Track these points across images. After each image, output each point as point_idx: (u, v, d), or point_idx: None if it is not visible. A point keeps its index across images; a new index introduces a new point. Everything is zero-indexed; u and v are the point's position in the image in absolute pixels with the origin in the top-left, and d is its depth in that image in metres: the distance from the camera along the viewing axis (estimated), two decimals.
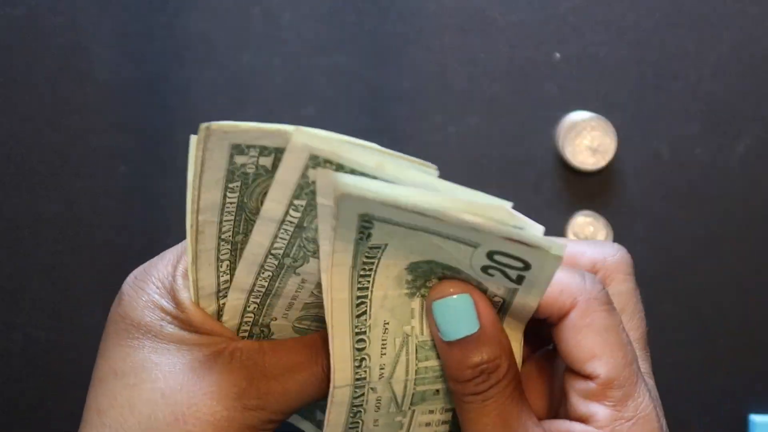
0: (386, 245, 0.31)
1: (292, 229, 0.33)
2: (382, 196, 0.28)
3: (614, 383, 0.33)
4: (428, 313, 0.33)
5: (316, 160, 0.31)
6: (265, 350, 0.35)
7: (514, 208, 0.30)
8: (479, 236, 0.29)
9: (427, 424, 0.36)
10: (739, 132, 0.47)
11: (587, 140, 0.46)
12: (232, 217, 0.34)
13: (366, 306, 0.33)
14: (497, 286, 0.32)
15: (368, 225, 0.30)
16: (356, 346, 0.33)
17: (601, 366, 0.33)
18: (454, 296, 0.32)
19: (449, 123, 0.47)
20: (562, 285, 0.33)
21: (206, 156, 0.31)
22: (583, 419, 0.33)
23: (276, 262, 0.34)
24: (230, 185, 0.33)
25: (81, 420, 0.34)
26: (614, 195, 0.47)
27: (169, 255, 0.36)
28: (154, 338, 0.34)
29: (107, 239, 0.48)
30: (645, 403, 0.33)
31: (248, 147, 0.31)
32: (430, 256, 0.32)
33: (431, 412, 0.36)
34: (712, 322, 0.48)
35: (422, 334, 0.34)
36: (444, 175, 0.50)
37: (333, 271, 0.31)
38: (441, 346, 0.33)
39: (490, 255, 0.30)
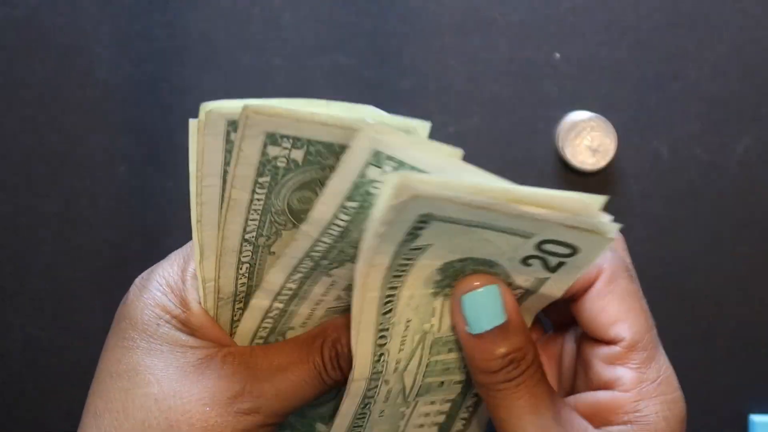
0: (429, 246, 0.31)
1: (337, 233, 0.32)
2: (456, 195, 0.28)
3: (638, 345, 0.34)
4: (455, 307, 0.33)
5: (378, 157, 0.30)
6: (256, 353, 0.35)
7: None
8: (539, 227, 0.30)
9: (426, 414, 0.37)
10: (739, 132, 0.47)
11: (587, 140, 0.46)
12: (258, 217, 0.34)
13: (393, 304, 0.33)
14: (527, 277, 0.33)
15: (423, 225, 0.30)
16: (378, 342, 0.33)
17: (625, 329, 0.34)
18: (481, 289, 0.32)
19: (449, 123, 0.48)
20: None
21: (242, 145, 0.31)
22: (607, 385, 0.34)
23: (312, 264, 0.34)
24: (260, 180, 0.32)
25: (80, 421, 0.34)
26: (614, 195, 0.47)
27: (178, 255, 0.36)
28: (148, 339, 0.34)
29: (107, 239, 0.48)
30: (666, 365, 0.34)
31: (282, 137, 0.31)
32: (471, 253, 0.32)
33: (432, 402, 0.36)
34: (712, 322, 0.48)
35: (439, 331, 0.34)
36: None
37: (370, 271, 0.31)
38: (467, 340, 0.33)
39: (540, 244, 0.31)
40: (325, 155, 0.32)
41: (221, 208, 0.33)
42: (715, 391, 0.48)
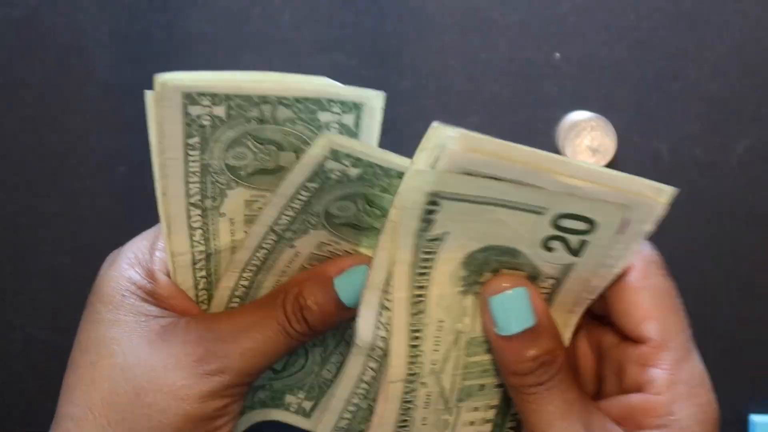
0: (446, 234, 0.31)
1: (299, 206, 0.34)
2: (457, 163, 0.29)
3: (668, 346, 0.33)
4: (483, 309, 0.33)
5: (337, 154, 0.32)
6: (220, 317, 0.35)
7: None
8: (551, 200, 0.30)
9: (472, 423, 0.36)
10: (739, 132, 0.47)
11: (587, 140, 0.46)
12: (198, 179, 0.34)
13: (423, 305, 0.33)
14: (552, 264, 0.33)
15: (434, 208, 0.30)
16: (411, 343, 0.34)
17: (655, 328, 0.33)
18: (510, 291, 0.32)
19: (449, 123, 0.47)
20: None
21: (163, 112, 0.32)
22: (639, 388, 0.33)
23: (276, 237, 0.35)
24: (189, 141, 0.33)
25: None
26: None
27: (148, 231, 0.37)
28: (114, 310, 0.35)
29: (107, 239, 0.48)
30: (699, 368, 0.34)
31: (200, 95, 0.32)
32: (490, 240, 0.32)
33: (476, 409, 0.36)
34: (712, 322, 0.48)
35: (473, 331, 0.34)
36: None
37: (394, 269, 0.32)
38: (497, 342, 0.33)
39: (555, 220, 0.31)
40: (246, 107, 0.32)
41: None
42: (715, 391, 0.48)
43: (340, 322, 0.36)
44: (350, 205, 0.35)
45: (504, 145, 0.29)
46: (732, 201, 0.47)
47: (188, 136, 0.32)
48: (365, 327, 0.34)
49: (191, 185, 0.34)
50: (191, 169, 0.33)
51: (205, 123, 0.32)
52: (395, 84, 0.47)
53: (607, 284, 0.33)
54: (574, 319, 0.35)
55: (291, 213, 0.34)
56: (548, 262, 0.33)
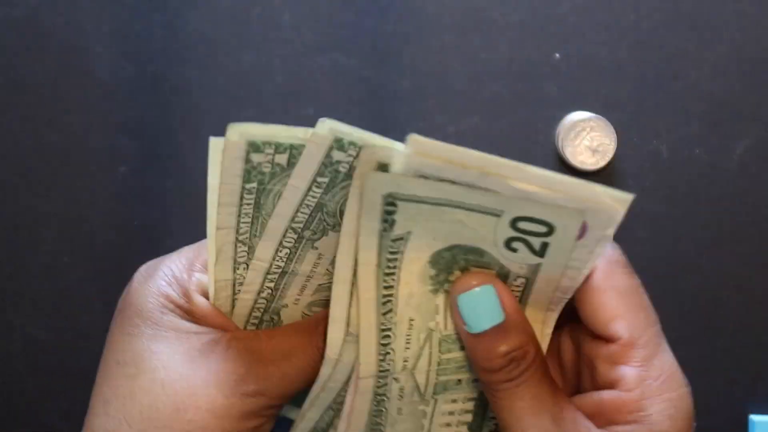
0: (409, 234, 0.32)
1: (314, 204, 0.34)
2: (411, 166, 0.29)
3: (637, 343, 0.33)
4: (453, 307, 0.33)
5: (341, 143, 0.32)
6: (261, 337, 0.35)
7: None
8: (503, 201, 0.30)
9: (450, 413, 0.37)
10: (739, 132, 0.47)
11: (587, 140, 0.46)
12: (249, 220, 0.34)
13: (392, 304, 0.33)
14: (519, 264, 0.33)
15: (392, 209, 0.31)
16: (382, 341, 0.34)
17: (623, 327, 0.33)
18: (477, 288, 0.32)
19: (449, 123, 0.47)
20: None
21: (225, 156, 0.32)
22: (611, 385, 0.33)
23: (295, 236, 0.35)
24: (247, 186, 0.33)
25: (88, 408, 0.35)
26: None
27: (185, 250, 0.37)
28: (153, 325, 0.34)
29: (107, 239, 0.48)
30: (670, 362, 0.34)
31: (264, 144, 0.32)
32: (453, 239, 0.32)
33: (454, 401, 0.36)
34: (712, 322, 0.48)
35: (446, 328, 0.34)
36: None
37: (359, 270, 0.32)
38: (467, 339, 0.33)
39: (513, 223, 0.31)
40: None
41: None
42: (715, 391, 0.48)
43: None
44: None
45: (456, 151, 0.29)
46: (732, 201, 0.47)
47: (247, 180, 0.33)
48: (334, 340, 0.34)
49: (242, 224, 0.34)
50: (244, 210, 0.34)
51: (265, 171, 0.33)
52: (395, 84, 0.47)
53: (577, 285, 0.34)
54: (552, 317, 0.35)
55: (306, 210, 0.34)
56: (515, 262, 0.33)
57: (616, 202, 0.30)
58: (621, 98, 0.47)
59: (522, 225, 0.31)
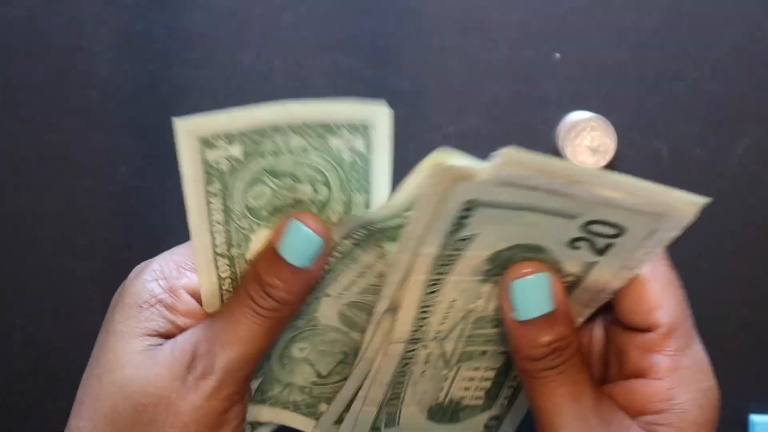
0: (476, 236, 0.32)
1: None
2: (499, 176, 0.29)
3: (676, 332, 0.34)
4: (503, 293, 0.33)
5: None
6: (207, 318, 0.35)
7: None
8: (586, 207, 0.30)
9: (471, 379, 0.37)
10: (739, 132, 0.47)
11: (587, 140, 0.46)
12: (222, 227, 0.34)
13: (439, 286, 0.34)
14: (575, 262, 0.33)
15: (468, 214, 0.30)
16: (420, 316, 0.34)
17: (664, 315, 0.34)
18: (532, 276, 0.33)
19: (449, 123, 0.47)
20: None
21: (181, 158, 0.32)
22: (642, 373, 0.34)
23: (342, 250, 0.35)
24: (210, 189, 0.33)
25: None
26: None
27: (179, 248, 0.37)
28: (126, 320, 0.34)
29: (107, 239, 0.48)
30: (701, 354, 0.35)
31: (215, 137, 0.31)
32: (518, 239, 0.32)
33: (476, 369, 0.37)
34: (712, 322, 0.47)
35: (485, 311, 0.35)
36: None
37: (417, 259, 0.32)
38: (512, 326, 0.33)
39: (586, 225, 0.31)
40: (260, 141, 0.32)
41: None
42: None
43: (308, 288, 0.35)
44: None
45: (545, 161, 0.29)
46: (732, 201, 0.47)
47: (208, 183, 0.32)
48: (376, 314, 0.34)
49: (216, 235, 0.34)
50: (214, 218, 0.33)
51: (224, 168, 0.32)
52: (395, 84, 0.47)
53: (622, 286, 0.34)
54: (588, 312, 0.36)
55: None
56: (572, 260, 0.33)
57: (689, 205, 0.31)
58: (621, 98, 0.47)
59: (593, 227, 0.31)
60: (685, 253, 0.48)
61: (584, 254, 0.33)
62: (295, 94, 0.47)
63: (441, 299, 0.34)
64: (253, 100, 0.49)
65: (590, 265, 0.33)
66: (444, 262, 0.33)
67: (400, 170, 0.47)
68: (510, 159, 0.28)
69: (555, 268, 0.33)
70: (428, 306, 0.34)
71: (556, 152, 0.47)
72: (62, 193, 0.48)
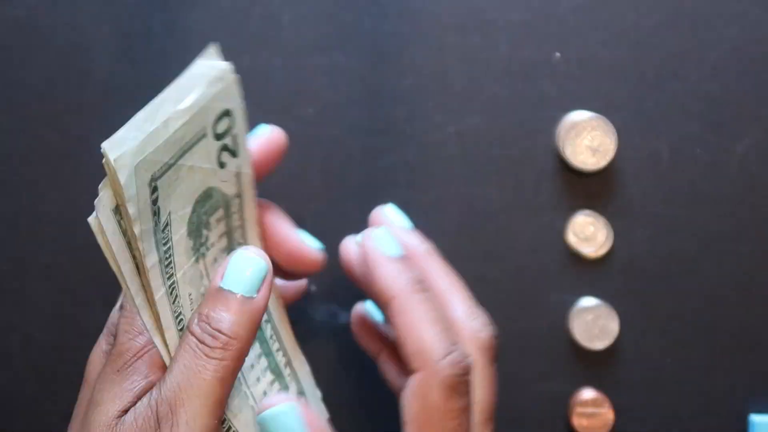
0: (170, 216, 0.34)
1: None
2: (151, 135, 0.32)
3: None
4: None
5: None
6: (171, 374, 0.34)
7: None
8: (201, 117, 0.34)
9: (252, 366, 0.39)
10: (739, 132, 0.47)
11: (587, 140, 0.46)
12: (161, 274, 0.34)
13: (176, 290, 0.35)
14: (228, 174, 0.36)
15: (156, 195, 0.32)
16: (178, 327, 0.35)
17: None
18: (280, 405, 0.37)
19: (449, 123, 0.47)
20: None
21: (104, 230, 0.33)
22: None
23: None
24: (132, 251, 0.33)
25: None
26: (614, 195, 0.47)
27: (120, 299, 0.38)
28: (87, 389, 0.36)
29: None
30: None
31: (120, 206, 0.33)
32: (193, 195, 0.35)
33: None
34: (712, 322, 0.47)
35: (209, 283, 0.36)
36: (444, 174, 0.50)
37: (149, 276, 0.33)
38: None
39: (215, 130, 0.35)
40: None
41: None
42: (715, 391, 0.48)
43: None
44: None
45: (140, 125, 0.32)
46: (732, 201, 0.47)
47: (131, 248, 0.33)
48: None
49: (166, 302, 0.34)
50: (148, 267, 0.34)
51: (136, 231, 0.32)
52: (395, 84, 0.47)
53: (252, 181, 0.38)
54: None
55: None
56: (227, 181, 0.36)
57: (221, 72, 0.35)
58: (621, 98, 0.47)
59: (220, 127, 0.35)
60: (685, 253, 0.48)
61: (229, 164, 0.36)
62: (295, 94, 0.47)
63: (182, 301, 0.35)
64: (253, 100, 0.49)
65: (238, 176, 0.37)
66: (167, 263, 0.33)
67: (401, 170, 0.47)
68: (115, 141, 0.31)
69: (225, 201, 0.37)
70: (178, 314, 0.34)
71: (556, 152, 0.47)
72: (62, 193, 0.48)
